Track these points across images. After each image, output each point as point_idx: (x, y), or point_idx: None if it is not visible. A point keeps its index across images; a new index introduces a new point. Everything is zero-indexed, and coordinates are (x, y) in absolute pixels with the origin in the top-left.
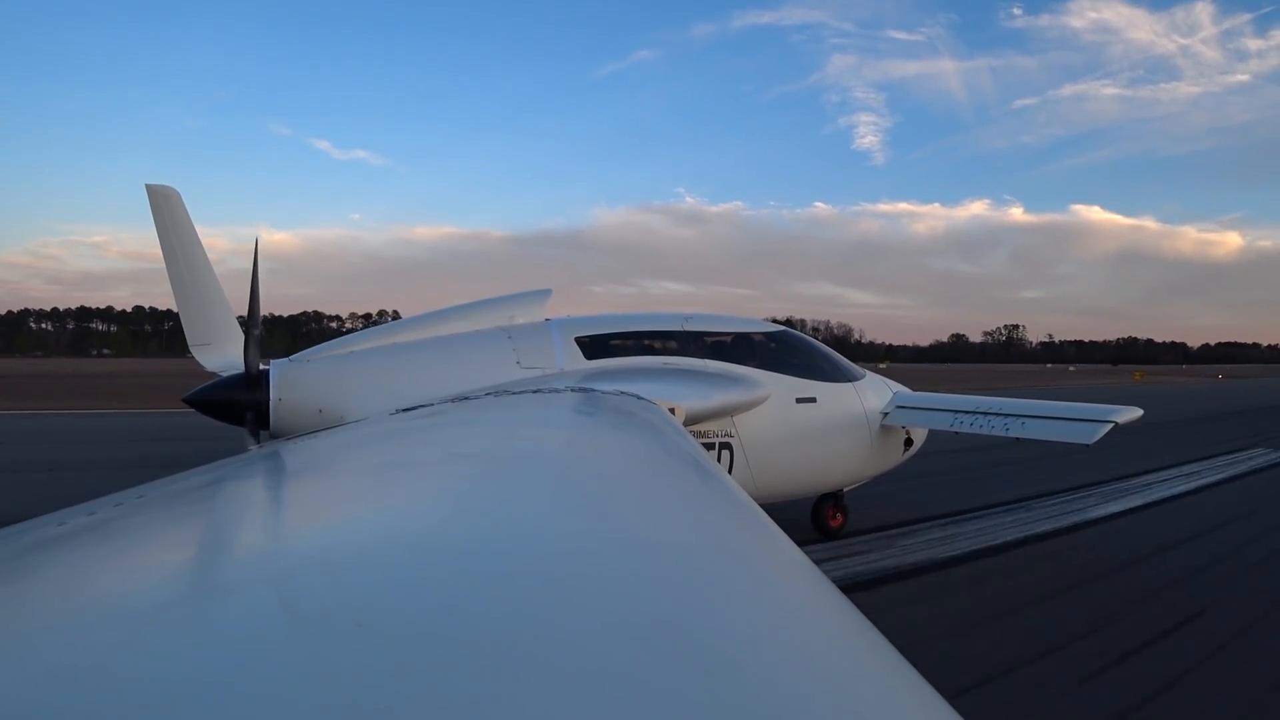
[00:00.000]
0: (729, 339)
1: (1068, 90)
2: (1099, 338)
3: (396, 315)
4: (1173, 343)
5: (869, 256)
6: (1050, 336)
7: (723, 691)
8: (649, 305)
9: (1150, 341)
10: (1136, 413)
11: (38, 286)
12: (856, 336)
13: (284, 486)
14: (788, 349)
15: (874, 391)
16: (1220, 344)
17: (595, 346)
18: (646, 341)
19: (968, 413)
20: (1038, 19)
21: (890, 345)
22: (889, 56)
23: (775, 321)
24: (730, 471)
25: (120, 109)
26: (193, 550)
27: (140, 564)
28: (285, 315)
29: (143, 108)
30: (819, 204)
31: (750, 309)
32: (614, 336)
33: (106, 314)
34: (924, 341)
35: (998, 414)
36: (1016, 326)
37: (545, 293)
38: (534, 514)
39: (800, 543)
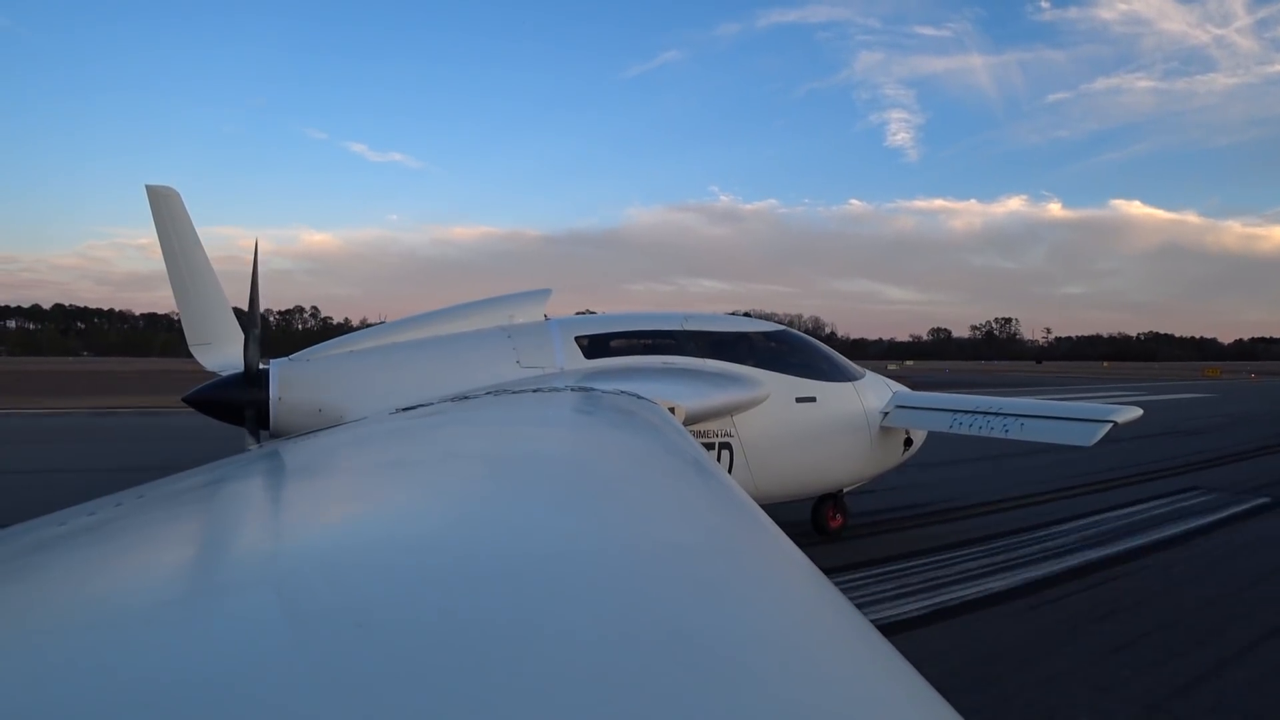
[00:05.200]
0: (728, 338)
1: (1101, 84)
2: (1122, 333)
3: (315, 309)
4: (1197, 338)
5: (906, 253)
6: (1049, 331)
7: (722, 692)
8: (687, 304)
9: (1170, 337)
10: (1136, 413)
11: (89, 287)
12: (829, 330)
13: (284, 486)
14: (787, 348)
15: (874, 391)
16: (1253, 339)
17: (595, 346)
18: (646, 341)
19: (967, 413)
20: (1066, 11)
21: (854, 340)
22: (916, 53)
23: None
24: (730, 471)
25: (157, 115)
26: (192, 550)
27: (140, 564)
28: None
29: (179, 113)
30: (854, 201)
31: (788, 306)
32: (614, 336)
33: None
34: (902, 336)
35: (997, 414)
36: (1008, 320)
37: (545, 292)
38: (533, 514)
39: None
